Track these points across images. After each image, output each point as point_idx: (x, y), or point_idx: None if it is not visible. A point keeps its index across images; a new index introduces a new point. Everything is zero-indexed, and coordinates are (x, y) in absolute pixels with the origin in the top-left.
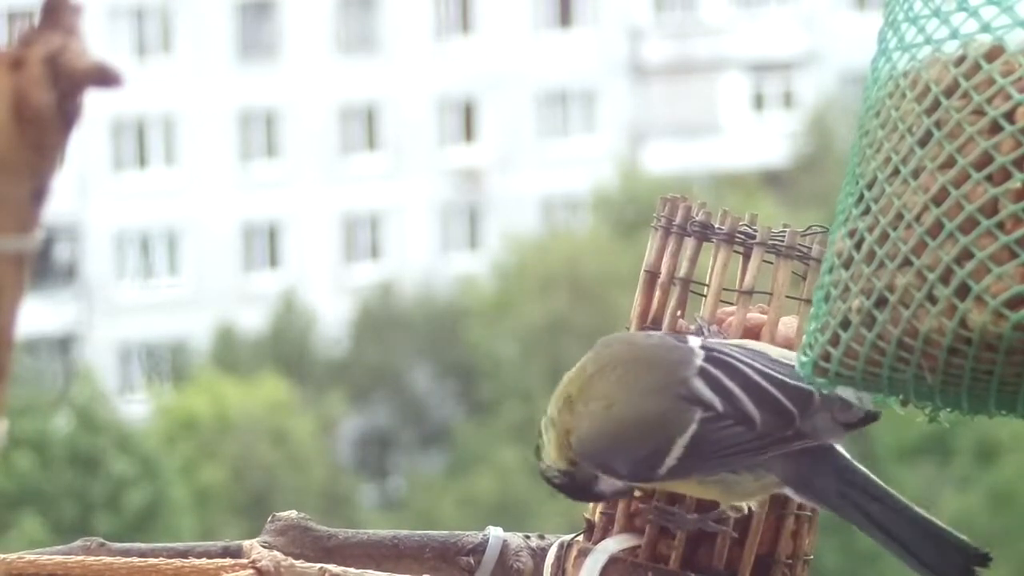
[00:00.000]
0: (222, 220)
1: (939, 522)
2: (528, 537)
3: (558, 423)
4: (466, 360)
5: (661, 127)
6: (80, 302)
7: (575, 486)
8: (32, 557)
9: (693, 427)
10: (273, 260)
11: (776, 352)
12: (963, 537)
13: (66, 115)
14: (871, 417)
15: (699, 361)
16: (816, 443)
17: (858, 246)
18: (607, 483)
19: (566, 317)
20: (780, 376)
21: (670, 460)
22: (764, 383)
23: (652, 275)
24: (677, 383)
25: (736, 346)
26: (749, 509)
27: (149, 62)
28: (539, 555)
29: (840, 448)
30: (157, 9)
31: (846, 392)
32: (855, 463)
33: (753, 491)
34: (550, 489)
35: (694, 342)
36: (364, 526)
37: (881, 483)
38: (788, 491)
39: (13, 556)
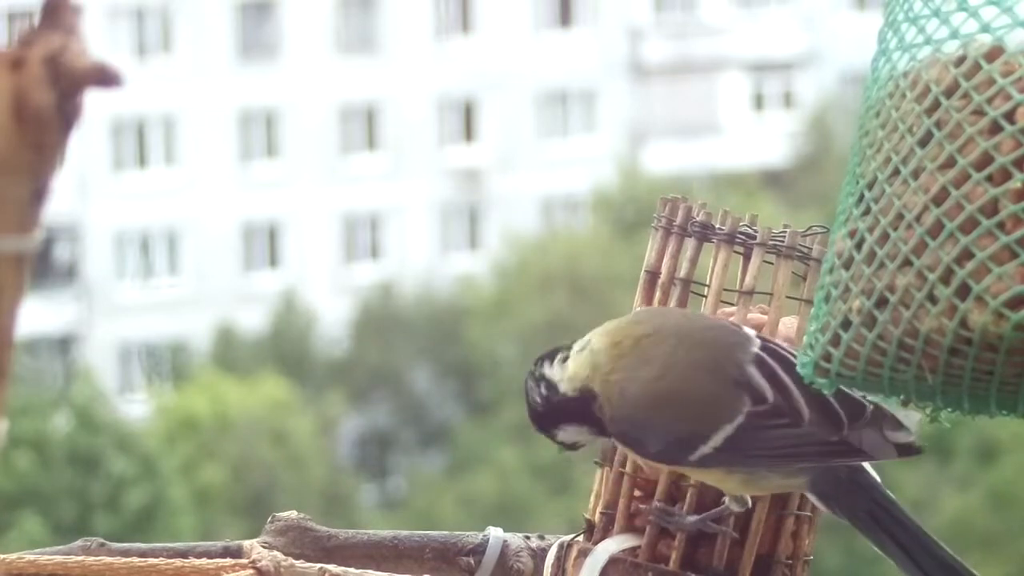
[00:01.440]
0: (222, 220)
1: (952, 552)
2: (528, 537)
3: (601, 358)
4: (466, 360)
5: (661, 127)
6: (80, 302)
7: (547, 413)
8: (32, 557)
9: (740, 418)
10: (273, 260)
11: None
12: (973, 571)
13: (66, 115)
14: (917, 450)
15: (755, 349)
16: (862, 460)
17: (859, 246)
18: (574, 433)
19: (566, 317)
20: None
21: (706, 448)
22: None
23: (652, 275)
24: (732, 366)
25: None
26: (752, 506)
27: (149, 62)
28: (539, 555)
29: (868, 467)
30: (157, 9)
31: (900, 412)
32: (881, 484)
33: (776, 487)
34: (529, 405)
35: (750, 331)
36: (364, 526)
37: (904, 508)
38: (814, 499)
39: (13, 556)
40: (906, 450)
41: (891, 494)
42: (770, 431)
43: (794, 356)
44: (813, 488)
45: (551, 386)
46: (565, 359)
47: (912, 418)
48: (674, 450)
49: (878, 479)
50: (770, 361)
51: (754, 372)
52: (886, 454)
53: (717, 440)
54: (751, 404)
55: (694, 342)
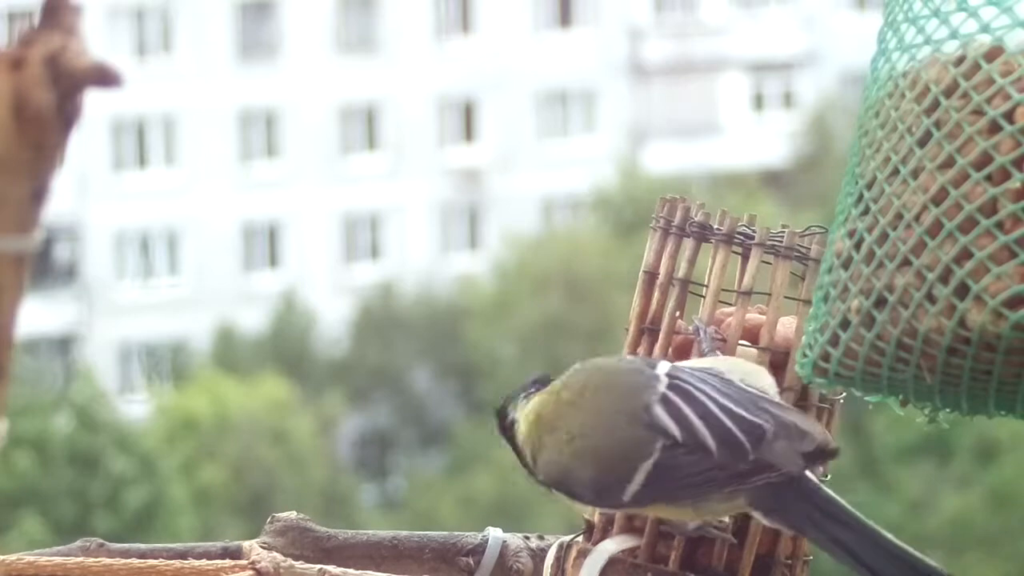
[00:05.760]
0: (222, 220)
1: (902, 544)
2: (527, 538)
3: (524, 432)
4: (466, 360)
5: (661, 127)
6: (80, 302)
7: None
8: (32, 558)
9: (655, 455)
10: (273, 260)
11: (741, 372)
12: (924, 557)
13: (66, 115)
14: (829, 452)
15: (662, 388)
16: (779, 476)
17: (857, 246)
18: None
19: (565, 317)
20: (736, 408)
21: (632, 487)
22: (720, 414)
23: (651, 276)
24: (640, 408)
25: (702, 370)
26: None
27: (149, 62)
28: (538, 556)
29: (808, 472)
30: (157, 9)
31: (803, 421)
32: (823, 487)
33: (723, 510)
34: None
35: (661, 368)
36: (364, 526)
37: (847, 505)
38: (757, 515)
39: (13, 557)
40: (813, 456)
41: (832, 494)
42: (685, 462)
43: (699, 389)
44: (754, 505)
45: (514, 423)
46: (527, 398)
47: (815, 426)
48: (605, 496)
49: (817, 482)
50: (674, 398)
51: (659, 411)
52: (794, 465)
53: (640, 478)
54: (663, 440)
55: (604, 392)
